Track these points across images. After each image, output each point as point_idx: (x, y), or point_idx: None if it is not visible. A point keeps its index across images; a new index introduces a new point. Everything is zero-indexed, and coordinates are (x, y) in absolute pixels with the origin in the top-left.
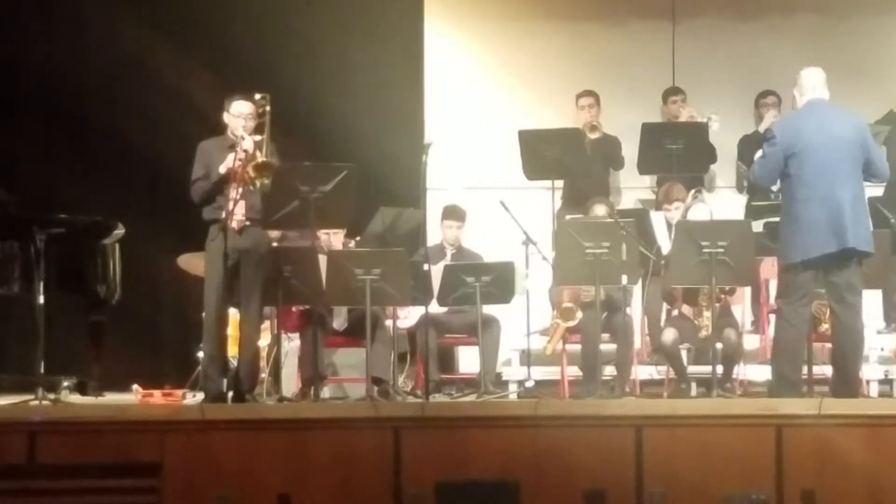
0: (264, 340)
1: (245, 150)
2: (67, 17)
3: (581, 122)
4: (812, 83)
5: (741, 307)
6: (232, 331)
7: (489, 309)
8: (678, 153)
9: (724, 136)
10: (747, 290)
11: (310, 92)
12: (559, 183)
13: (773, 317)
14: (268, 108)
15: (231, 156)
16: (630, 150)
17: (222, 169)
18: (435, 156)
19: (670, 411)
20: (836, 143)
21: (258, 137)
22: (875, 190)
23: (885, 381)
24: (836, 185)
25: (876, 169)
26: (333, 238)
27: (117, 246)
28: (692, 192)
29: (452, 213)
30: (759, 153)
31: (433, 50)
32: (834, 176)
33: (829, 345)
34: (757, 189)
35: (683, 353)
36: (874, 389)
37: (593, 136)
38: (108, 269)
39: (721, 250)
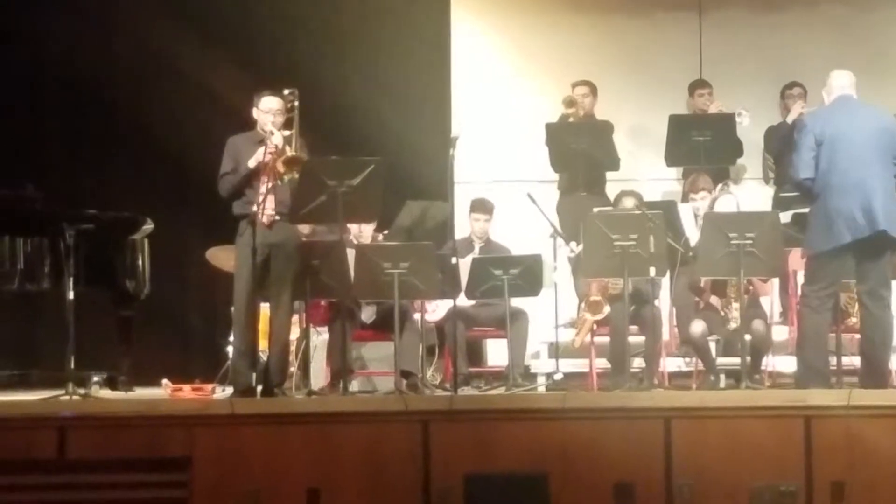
0: (293, 334)
1: (275, 145)
2: (94, 12)
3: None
4: (841, 83)
5: (769, 298)
6: (262, 325)
7: (517, 302)
8: (706, 145)
9: (751, 128)
10: (775, 282)
11: (337, 86)
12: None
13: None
14: (296, 103)
15: (261, 150)
16: (657, 143)
17: (252, 163)
18: (462, 149)
19: (699, 403)
20: (866, 134)
21: (287, 132)
22: None
23: None
24: (867, 173)
25: None
26: (364, 231)
27: (146, 241)
28: (720, 185)
29: (480, 206)
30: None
31: (460, 43)
32: (865, 164)
33: (857, 336)
34: (800, 186)
35: (712, 345)
36: None
37: (569, 110)
38: (137, 264)
39: (749, 242)
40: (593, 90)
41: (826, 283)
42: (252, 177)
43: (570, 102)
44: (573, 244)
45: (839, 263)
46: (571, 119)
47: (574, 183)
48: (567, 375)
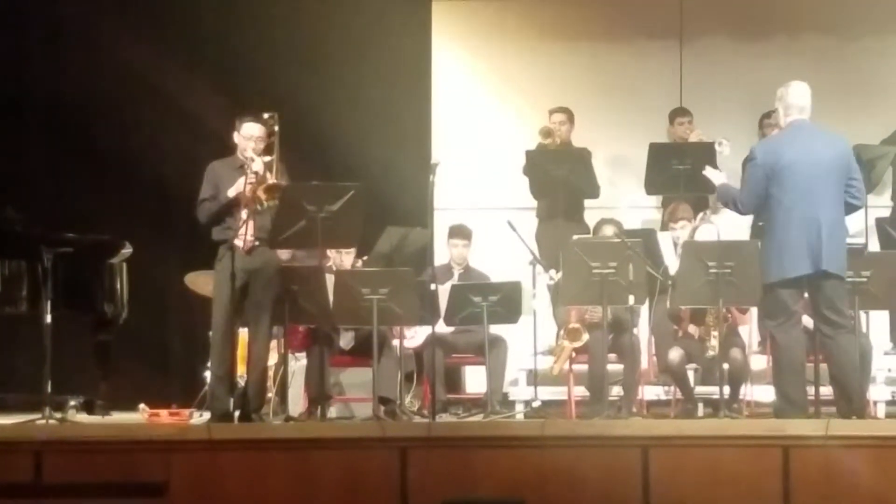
0: (271, 360)
1: (255, 172)
2: (75, 36)
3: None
4: (799, 103)
5: (748, 327)
6: (240, 350)
7: (496, 329)
8: (685, 174)
9: (731, 157)
10: (754, 311)
11: (318, 112)
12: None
13: None
14: (276, 127)
15: (241, 180)
16: (637, 170)
17: (232, 192)
18: (442, 176)
19: (677, 432)
20: (817, 165)
21: (268, 158)
22: (883, 211)
23: (893, 403)
24: (815, 206)
25: (855, 191)
26: (344, 258)
27: (125, 265)
28: (700, 214)
29: (458, 232)
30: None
31: (440, 70)
32: (813, 197)
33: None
34: (747, 214)
35: (690, 374)
36: (881, 410)
37: (546, 141)
38: (116, 287)
39: (728, 271)
40: (570, 117)
41: (786, 317)
42: (232, 204)
43: (546, 133)
44: (552, 272)
45: (791, 294)
46: (549, 148)
47: (553, 210)
48: (545, 403)
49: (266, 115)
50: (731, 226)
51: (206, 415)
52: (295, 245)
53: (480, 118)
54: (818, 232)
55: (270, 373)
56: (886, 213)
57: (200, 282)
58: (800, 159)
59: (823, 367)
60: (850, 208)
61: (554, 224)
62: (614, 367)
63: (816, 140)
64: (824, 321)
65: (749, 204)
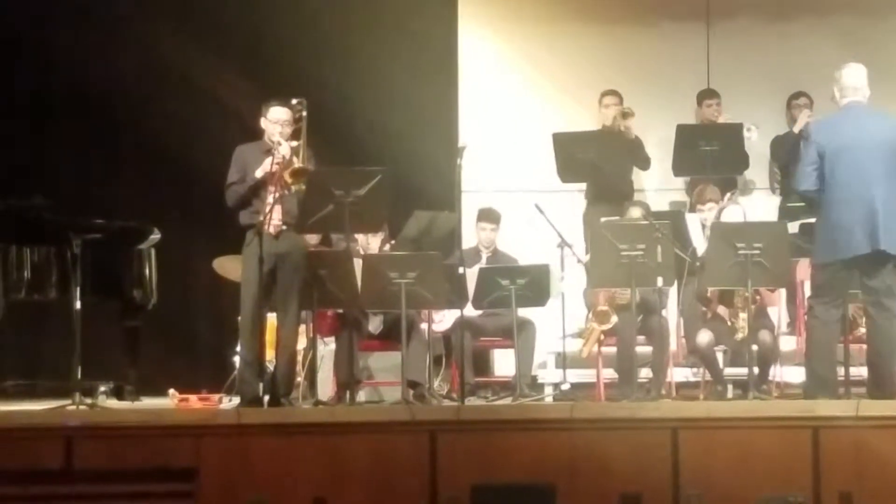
0: (300, 344)
1: (282, 156)
2: (102, 22)
3: (606, 119)
4: (854, 84)
5: (777, 309)
6: (269, 335)
7: (524, 312)
8: (713, 155)
9: (759, 139)
10: (783, 292)
11: (344, 96)
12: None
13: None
14: (304, 113)
15: (268, 160)
16: (664, 153)
17: (259, 173)
18: (469, 159)
19: (706, 414)
20: (871, 145)
21: (295, 143)
22: None
23: None
24: (870, 186)
25: None
26: (371, 241)
27: (153, 251)
28: (727, 195)
29: (487, 216)
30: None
31: (467, 53)
32: (868, 177)
33: (865, 346)
34: (804, 197)
35: (719, 355)
36: None
37: (627, 122)
38: (144, 273)
39: (756, 252)
40: (621, 100)
41: (832, 296)
42: (259, 187)
43: (624, 115)
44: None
45: (843, 276)
46: (623, 129)
47: (601, 192)
48: (574, 386)
49: (294, 101)
50: (759, 207)
51: (236, 399)
52: (322, 230)
53: (507, 101)
54: (873, 211)
55: (299, 357)
56: None
57: (229, 266)
58: (854, 140)
59: (853, 347)
60: None
61: (602, 207)
62: (643, 350)
63: (871, 121)
64: (875, 305)
65: (803, 181)
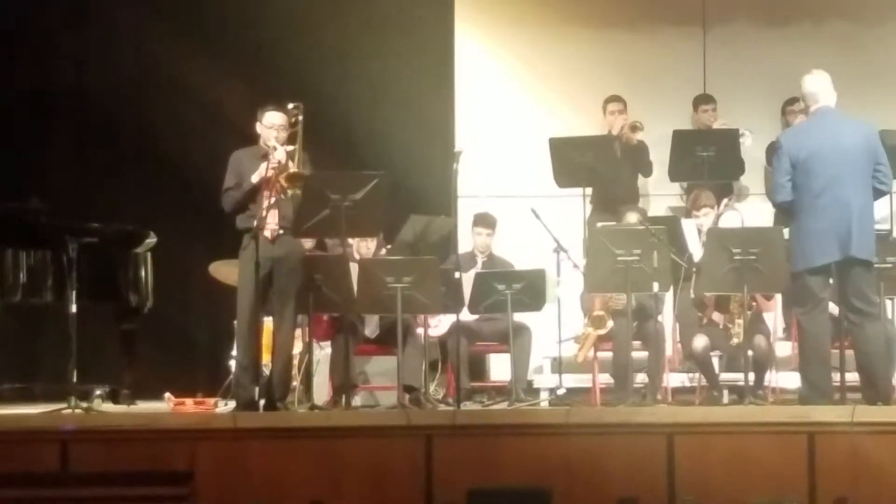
0: (296, 348)
1: (278, 161)
2: (100, 26)
3: (613, 127)
4: (814, 90)
5: (773, 314)
6: (265, 339)
7: (520, 317)
8: (709, 160)
9: (754, 143)
10: (779, 297)
11: (341, 100)
12: (589, 190)
13: None
14: (300, 117)
15: (263, 165)
16: (660, 157)
17: (254, 178)
18: (465, 164)
19: (702, 419)
20: (843, 152)
21: (290, 148)
22: None
23: None
24: (844, 192)
25: (882, 176)
26: (365, 246)
27: (149, 254)
28: (724, 200)
29: (483, 220)
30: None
31: (464, 58)
32: (842, 184)
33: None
34: (780, 208)
35: (715, 361)
36: None
37: (636, 136)
38: (140, 277)
39: (752, 257)
40: (625, 106)
41: (813, 304)
42: (255, 191)
43: (633, 128)
44: None
45: (820, 281)
46: (636, 142)
47: (605, 198)
48: (570, 390)
49: (290, 106)
50: (755, 212)
51: (232, 403)
52: (318, 234)
53: (503, 106)
54: (848, 218)
55: (295, 361)
56: None
57: (225, 271)
58: (826, 146)
59: (849, 353)
60: (878, 194)
61: (606, 213)
62: (639, 355)
63: (842, 127)
64: (851, 309)
65: (778, 194)
